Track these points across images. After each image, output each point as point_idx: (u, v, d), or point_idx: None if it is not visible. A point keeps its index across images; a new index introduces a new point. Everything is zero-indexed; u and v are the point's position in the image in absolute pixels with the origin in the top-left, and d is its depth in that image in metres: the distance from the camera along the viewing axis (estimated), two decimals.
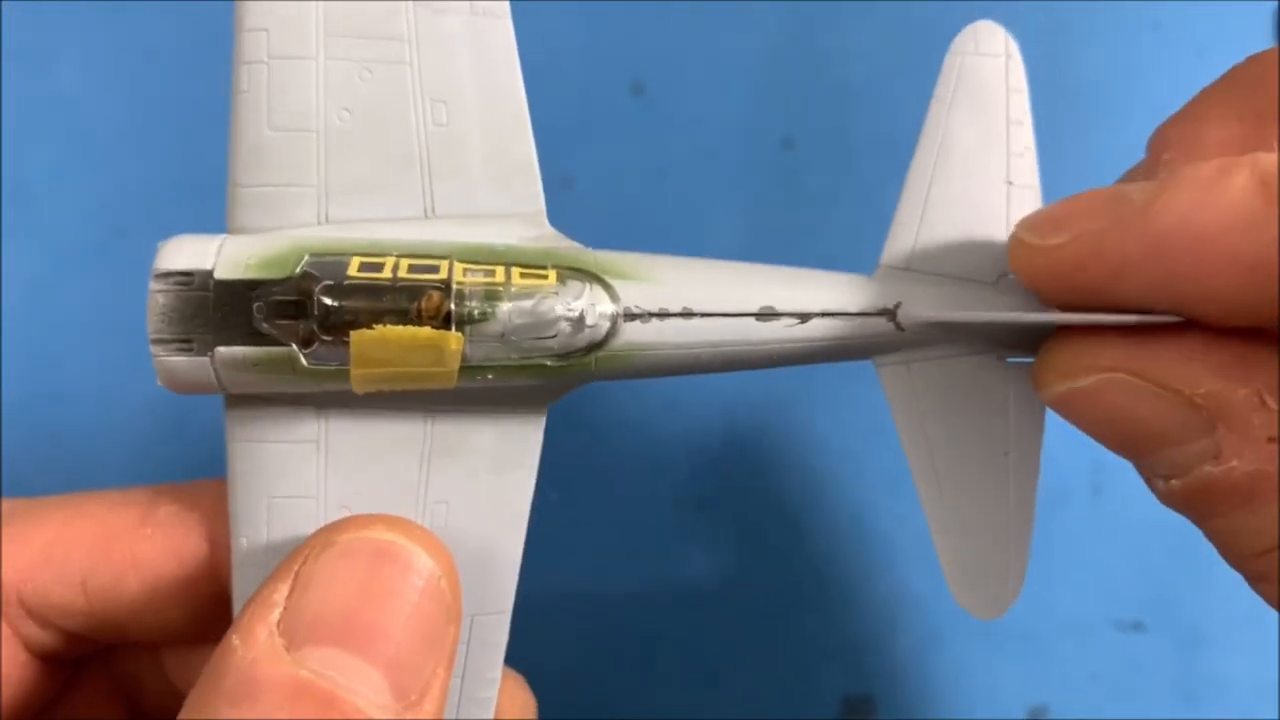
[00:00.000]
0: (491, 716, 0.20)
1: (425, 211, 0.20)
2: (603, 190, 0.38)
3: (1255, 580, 0.19)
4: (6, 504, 0.23)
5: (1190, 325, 0.18)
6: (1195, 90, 0.38)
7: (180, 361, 0.18)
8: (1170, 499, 0.19)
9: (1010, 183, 0.20)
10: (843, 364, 0.23)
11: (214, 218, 0.37)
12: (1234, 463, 0.19)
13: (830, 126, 0.39)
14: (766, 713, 0.38)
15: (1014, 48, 0.20)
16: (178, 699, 0.23)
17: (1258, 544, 0.19)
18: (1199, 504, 0.19)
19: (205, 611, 0.23)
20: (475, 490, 0.20)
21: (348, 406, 0.19)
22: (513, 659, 0.24)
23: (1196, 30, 0.40)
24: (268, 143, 0.19)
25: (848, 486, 0.38)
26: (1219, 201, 0.17)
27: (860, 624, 0.38)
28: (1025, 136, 0.20)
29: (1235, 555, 0.20)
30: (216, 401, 0.31)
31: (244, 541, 0.19)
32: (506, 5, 0.20)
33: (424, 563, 0.18)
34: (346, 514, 0.19)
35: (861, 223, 0.31)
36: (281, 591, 0.17)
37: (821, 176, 0.39)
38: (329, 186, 0.19)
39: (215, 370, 0.18)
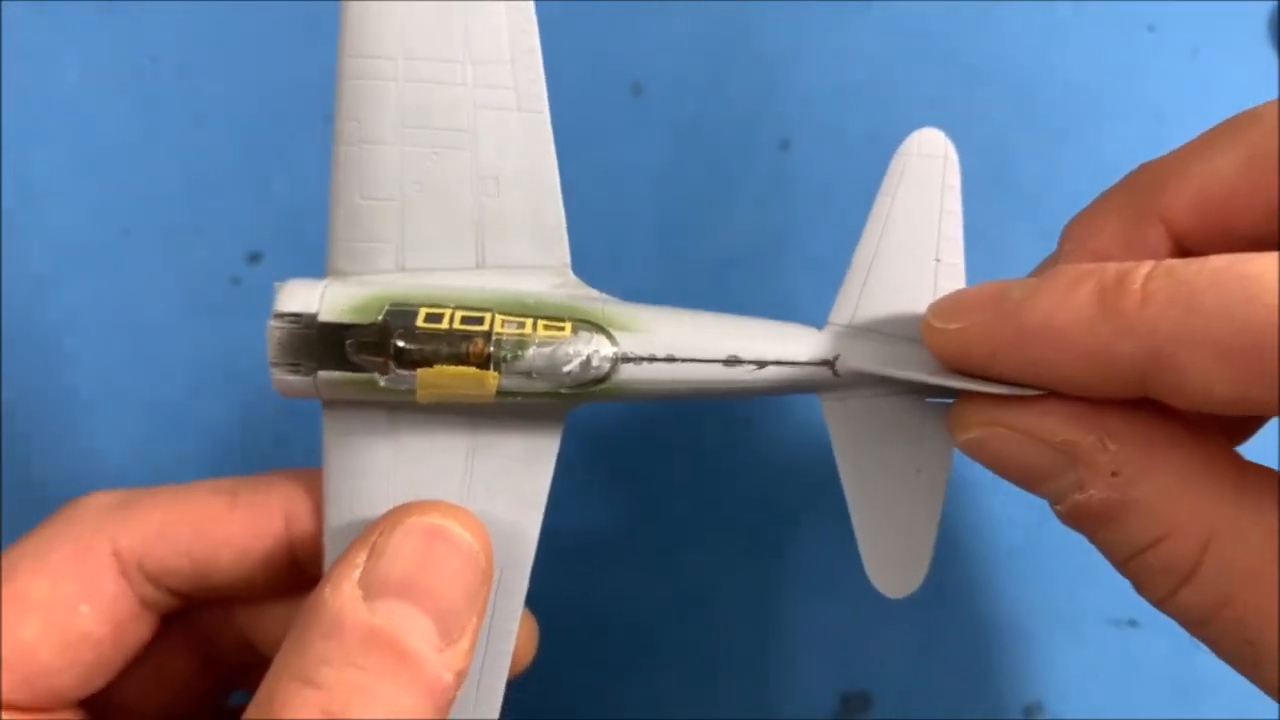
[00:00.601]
0: (512, 646, 0.27)
1: (477, 263, 0.25)
2: (602, 191, 0.38)
3: (1133, 582, 0.24)
4: (122, 494, 0.28)
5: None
6: (1190, 92, 0.40)
7: (290, 379, 0.24)
8: (1062, 519, 0.25)
9: (939, 260, 0.25)
10: None
11: (214, 217, 0.39)
12: (1091, 492, 0.23)
13: (827, 128, 0.39)
14: (763, 709, 0.38)
15: (951, 151, 0.25)
16: (244, 648, 0.30)
17: (1122, 554, 0.23)
18: (1077, 524, 0.24)
19: (281, 575, 0.28)
20: (508, 477, 0.26)
21: (412, 410, 0.25)
22: None
23: (1192, 32, 0.40)
24: (358, 209, 0.25)
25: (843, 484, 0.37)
26: (1069, 306, 0.22)
27: (857, 621, 0.38)
28: (955, 225, 0.25)
29: (1113, 562, 0.24)
30: (213, 404, 0.38)
31: (333, 511, 0.26)
32: (545, 103, 0.25)
33: (466, 541, 0.24)
34: (411, 490, 0.26)
35: (857, 223, 0.30)
36: (362, 556, 0.24)
37: (818, 177, 0.39)
38: (404, 242, 0.25)
39: (316, 386, 0.24)
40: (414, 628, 0.23)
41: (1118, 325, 0.21)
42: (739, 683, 0.38)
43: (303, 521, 0.28)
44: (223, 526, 0.27)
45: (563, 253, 0.26)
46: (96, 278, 0.39)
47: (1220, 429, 0.29)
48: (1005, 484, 0.28)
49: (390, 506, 0.25)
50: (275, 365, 0.24)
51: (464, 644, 0.24)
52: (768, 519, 0.38)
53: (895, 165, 0.25)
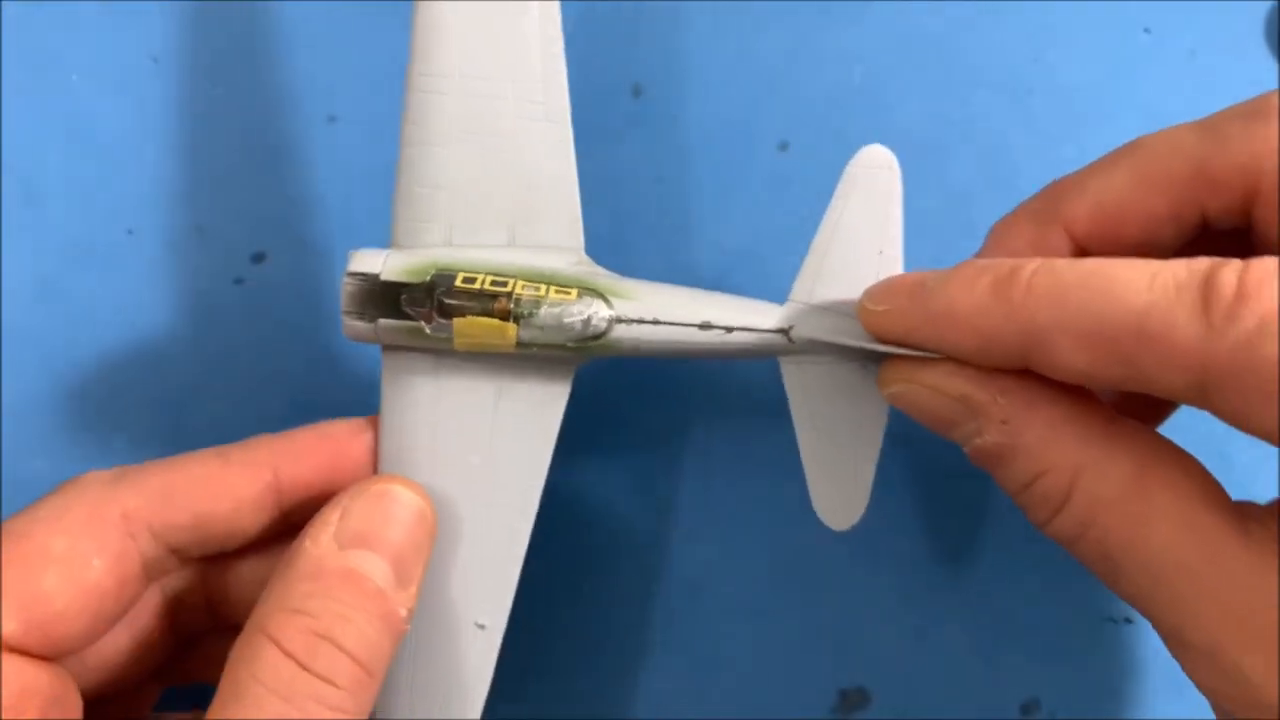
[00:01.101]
0: (523, 553, 0.32)
1: (509, 241, 0.32)
2: (603, 192, 0.38)
3: (1023, 510, 0.29)
4: (118, 469, 0.30)
5: None
6: (1186, 93, 0.40)
7: (357, 325, 0.30)
8: (971, 461, 0.29)
9: (881, 253, 0.31)
10: None
11: (218, 217, 0.39)
12: (987, 437, 0.27)
13: (826, 129, 0.39)
14: (761, 706, 0.38)
15: (894, 163, 0.30)
16: (207, 613, 0.33)
17: (1013, 487, 0.28)
18: (980, 463, 0.28)
19: (268, 523, 0.31)
20: (526, 416, 0.32)
21: (452, 358, 0.32)
22: (505, 651, 0.31)
23: (1189, 33, 0.40)
24: (417, 195, 0.31)
25: None
26: (969, 295, 0.26)
27: (856, 619, 0.39)
28: (896, 224, 0.30)
29: (1009, 494, 0.29)
30: (216, 403, 0.38)
31: (386, 438, 0.32)
32: (568, 115, 0.32)
33: (418, 503, 0.30)
34: (449, 423, 0.32)
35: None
36: (335, 515, 0.29)
37: (816, 179, 0.37)
38: (452, 223, 0.32)
39: (377, 331, 0.31)
40: (375, 569, 0.29)
41: (1005, 311, 0.25)
42: (738, 680, 0.38)
43: (288, 470, 0.31)
44: (220, 482, 0.30)
45: (578, 236, 0.32)
46: (100, 278, 0.39)
47: (1137, 412, 0.34)
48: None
49: (433, 436, 0.32)
50: (347, 313, 0.30)
51: (413, 587, 0.29)
52: (768, 517, 0.39)
53: (848, 173, 0.31)
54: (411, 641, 0.31)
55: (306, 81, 0.39)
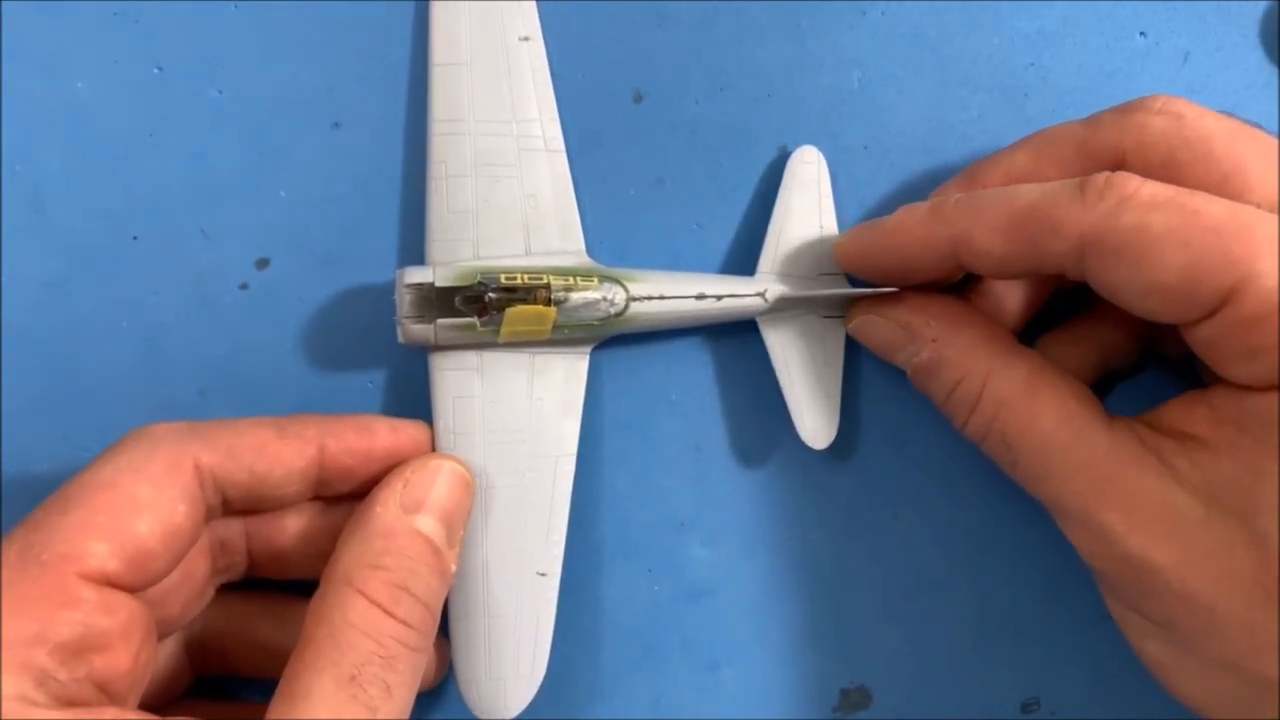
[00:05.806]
0: (567, 509, 0.38)
1: (526, 251, 0.38)
2: (604, 196, 0.40)
3: (948, 416, 0.34)
4: (185, 424, 0.33)
5: (902, 290, 0.35)
6: (1182, 95, 0.37)
7: (416, 327, 0.36)
8: (911, 381, 0.35)
9: (821, 227, 0.39)
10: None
11: (222, 223, 0.39)
12: (923, 355, 0.34)
13: (825, 133, 0.40)
14: (761, 706, 0.39)
15: (822, 159, 0.39)
16: (246, 557, 0.36)
17: (940, 396, 0.34)
18: (917, 380, 0.35)
19: (310, 490, 0.35)
20: (555, 392, 0.38)
21: (493, 349, 0.38)
22: None
23: (1183, 36, 0.40)
24: (447, 219, 0.38)
25: (841, 483, 0.40)
26: (913, 216, 0.33)
27: (857, 618, 0.39)
28: (829, 204, 0.39)
29: (937, 405, 0.34)
30: (221, 407, 0.39)
31: (441, 424, 0.37)
32: (562, 144, 0.39)
33: (463, 474, 0.35)
34: (492, 406, 0.38)
35: (852, 223, 0.39)
36: (400, 484, 0.33)
37: None
38: (478, 240, 0.38)
39: (435, 331, 0.36)
40: (434, 531, 0.33)
41: (939, 219, 0.33)
42: (736, 679, 0.39)
43: (332, 447, 0.34)
44: (275, 450, 0.34)
45: (579, 241, 0.39)
46: (105, 283, 0.39)
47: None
48: (1005, 484, 0.34)
49: (482, 420, 0.37)
50: (407, 318, 0.36)
51: (458, 547, 0.34)
52: (769, 516, 0.40)
53: (789, 169, 0.39)
54: (484, 595, 0.37)
55: (311, 87, 0.39)
